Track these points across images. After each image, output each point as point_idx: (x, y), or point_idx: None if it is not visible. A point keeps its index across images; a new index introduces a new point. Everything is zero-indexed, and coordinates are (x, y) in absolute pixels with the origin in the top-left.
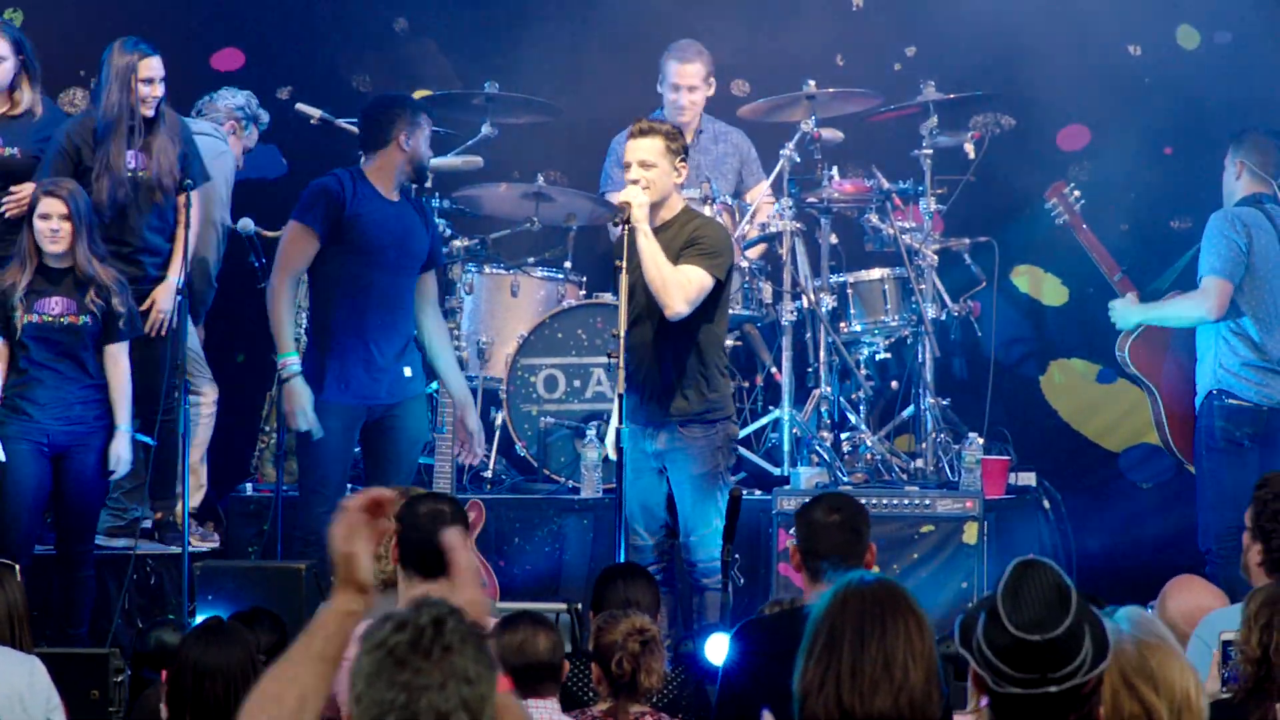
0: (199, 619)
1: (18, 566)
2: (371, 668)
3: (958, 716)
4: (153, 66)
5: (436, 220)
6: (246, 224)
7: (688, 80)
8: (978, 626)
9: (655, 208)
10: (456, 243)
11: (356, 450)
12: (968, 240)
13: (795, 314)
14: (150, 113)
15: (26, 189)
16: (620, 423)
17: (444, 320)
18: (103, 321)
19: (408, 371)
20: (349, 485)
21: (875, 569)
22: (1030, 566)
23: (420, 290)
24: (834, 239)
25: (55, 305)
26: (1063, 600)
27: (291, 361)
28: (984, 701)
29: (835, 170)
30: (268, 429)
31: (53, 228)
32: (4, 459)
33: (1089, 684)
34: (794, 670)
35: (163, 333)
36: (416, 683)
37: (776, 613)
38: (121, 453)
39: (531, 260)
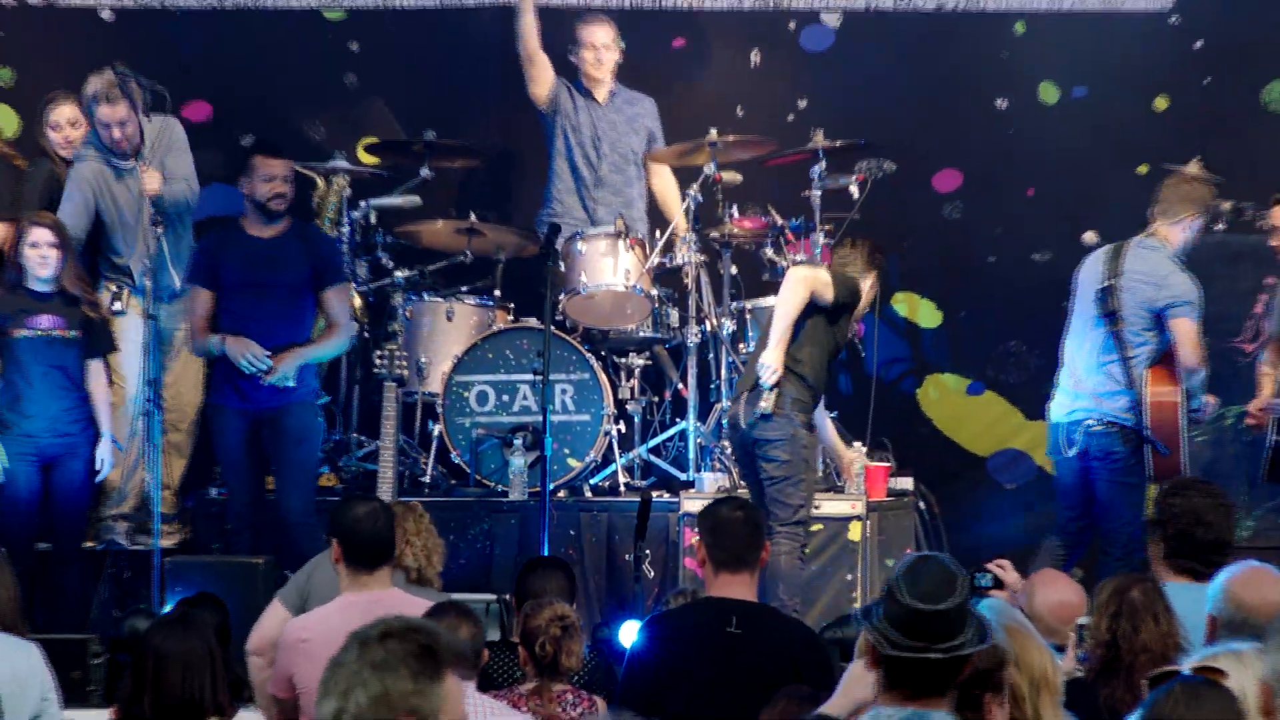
0: (168, 607)
1: (4, 550)
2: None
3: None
4: (65, 113)
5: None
6: None
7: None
8: (876, 605)
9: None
10: (398, 273)
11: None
12: None
13: (699, 336)
14: (66, 154)
15: None
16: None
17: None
18: (88, 336)
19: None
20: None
21: None
22: (926, 557)
23: None
24: (734, 270)
25: (45, 320)
26: (951, 582)
27: None
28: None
29: (735, 209)
30: None
31: (42, 255)
32: (7, 467)
33: (968, 659)
34: (690, 656)
35: None
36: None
37: (680, 605)
38: (106, 456)
39: (464, 289)
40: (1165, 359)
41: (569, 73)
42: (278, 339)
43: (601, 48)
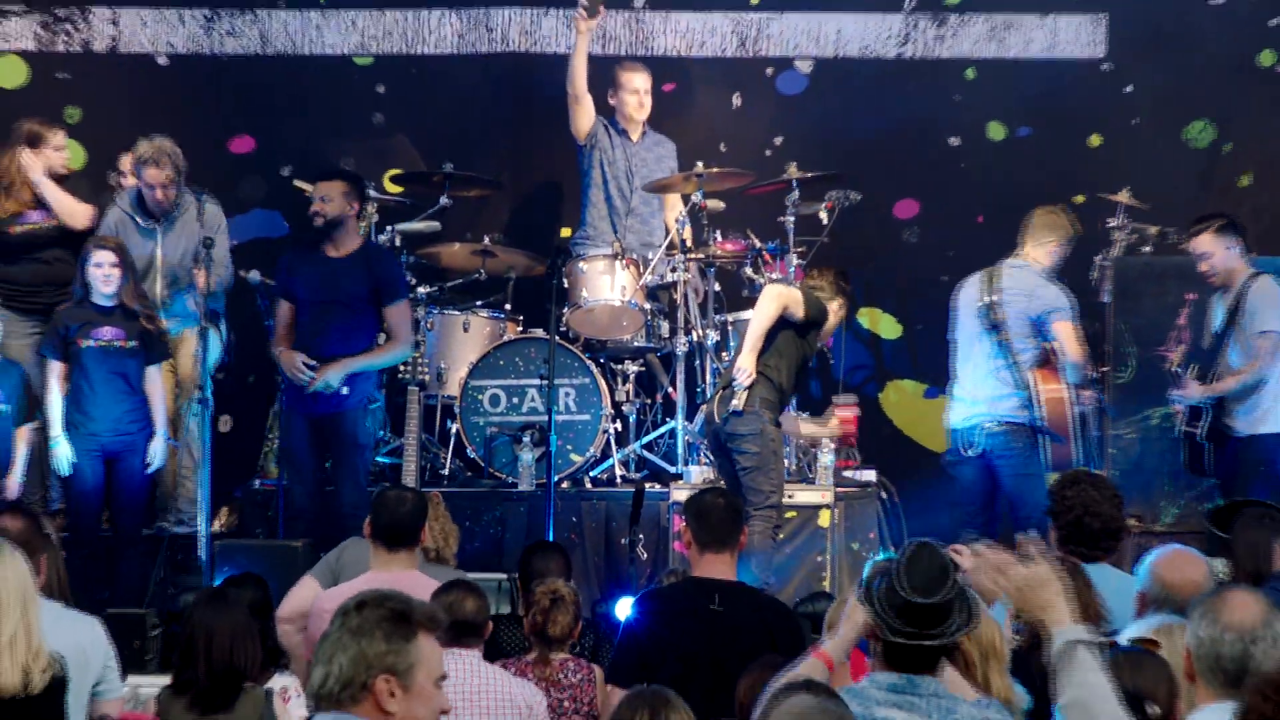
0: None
1: (54, 533)
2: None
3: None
4: (128, 163)
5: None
6: (254, 274)
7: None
8: (876, 588)
9: None
10: (420, 289)
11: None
12: None
13: (687, 346)
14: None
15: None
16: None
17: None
18: (145, 346)
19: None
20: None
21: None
22: (924, 546)
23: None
24: (717, 287)
25: (108, 332)
26: (944, 576)
27: None
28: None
29: (718, 233)
30: (271, 435)
31: (105, 273)
32: (70, 471)
33: (957, 641)
34: (678, 629)
35: None
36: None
37: (669, 584)
38: (159, 450)
39: (479, 303)
40: (1046, 361)
41: (604, 112)
42: (335, 349)
43: (643, 92)
